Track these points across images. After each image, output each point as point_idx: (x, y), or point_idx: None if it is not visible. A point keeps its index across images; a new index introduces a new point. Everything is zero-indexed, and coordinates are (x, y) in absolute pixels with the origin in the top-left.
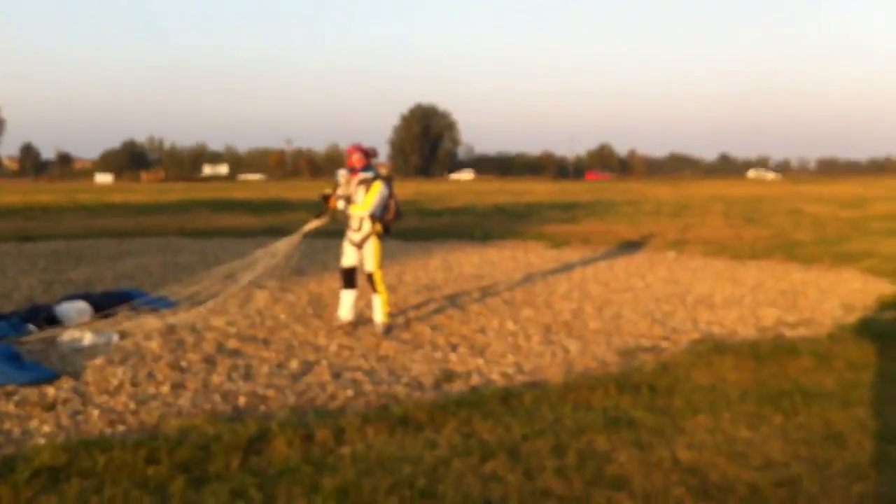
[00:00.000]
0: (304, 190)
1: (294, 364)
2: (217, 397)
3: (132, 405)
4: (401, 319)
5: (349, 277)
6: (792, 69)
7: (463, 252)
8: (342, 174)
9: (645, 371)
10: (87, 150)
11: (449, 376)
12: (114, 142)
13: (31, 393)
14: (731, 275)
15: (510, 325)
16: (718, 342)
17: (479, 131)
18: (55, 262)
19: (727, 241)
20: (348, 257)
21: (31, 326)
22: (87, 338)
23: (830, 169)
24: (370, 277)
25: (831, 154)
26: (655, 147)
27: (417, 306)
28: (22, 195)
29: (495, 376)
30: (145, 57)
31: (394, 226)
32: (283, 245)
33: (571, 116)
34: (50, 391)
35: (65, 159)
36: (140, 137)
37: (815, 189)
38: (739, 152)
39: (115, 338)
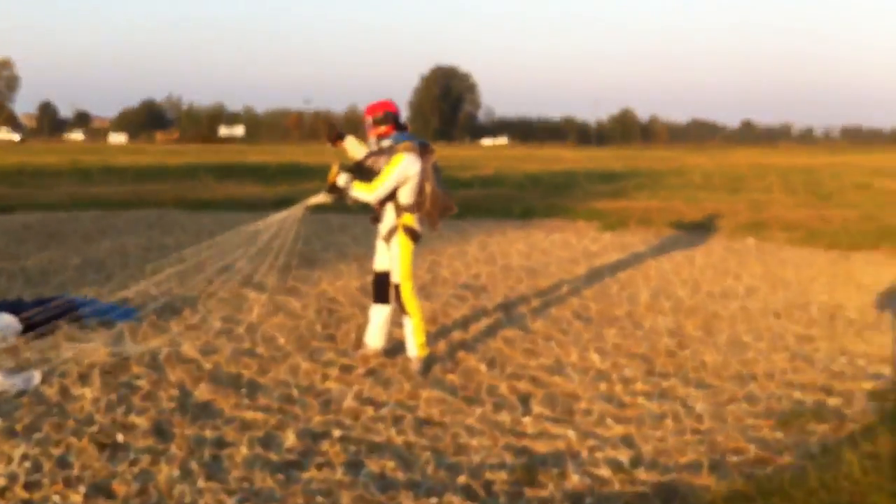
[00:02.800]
0: (321, 154)
1: (290, 439)
2: None
3: None
4: (442, 345)
5: (380, 287)
6: (817, 34)
7: (504, 235)
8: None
9: (849, 471)
10: (106, 108)
11: (531, 468)
12: (133, 100)
13: None
14: (844, 273)
15: (595, 359)
16: None
17: (499, 94)
18: (17, 241)
19: (811, 223)
20: (380, 258)
21: None
22: None
23: (855, 137)
24: (396, 290)
25: (855, 122)
26: (677, 113)
27: (463, 323)
28: (23, 155)
29: (604, 471)
30: (165, 12)
31: (435, 220)
32: (277, 222)
33: (592, 80)
34: None
35: (83, 118)
36: (159, 96)
37: (859, 159)
38: (762, 119)
39: (36, 379)
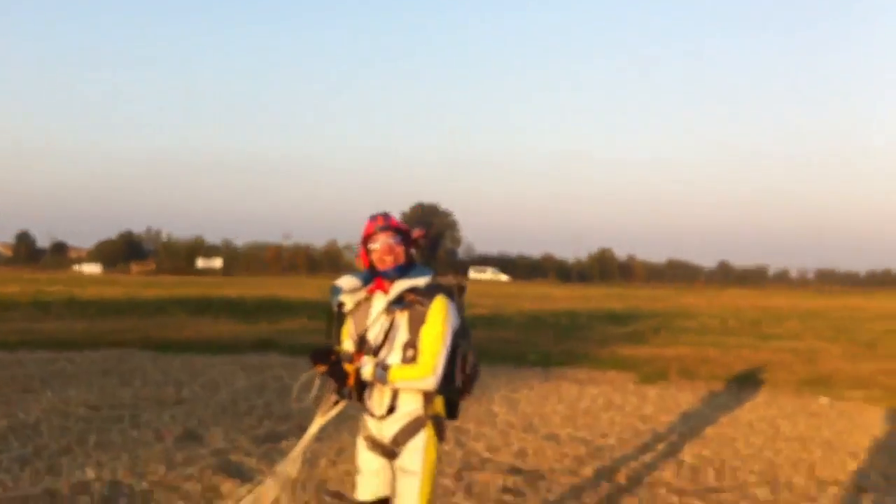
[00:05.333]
0: (301, 287)
1: None
2: None
3: None
4: None
5: None
6: (794, 178)
7: (531, 389)
8: (347, 284)
9: None
10: (84, 239)
11: None
12: (111, 232)
13: None
14: None
15: None
16: None
17: (478, 231)
18: None
19: (881, 379)
20: (369, 479)
21: None
22: None
23: (830, 279)
24: None
25: (830, 265)
26: (653, 253)
27: None
28: None
29: None
30: (144, 147)
31: (466, 396)
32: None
33: (570, 219)
34: None
35: (59, 248)
36: (138, 229)
37: (858, 302)
38: (738, 260)
39: None
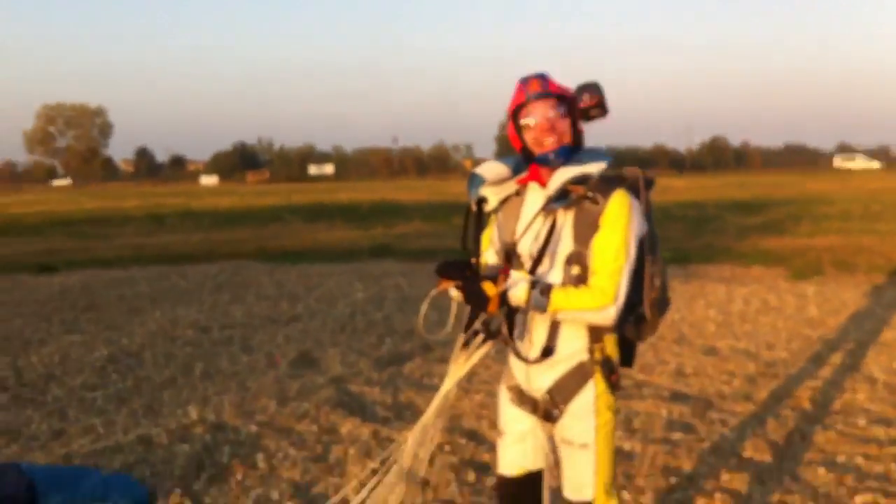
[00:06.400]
0: (412, 190)
1: None
2: None
3: None
4: None
5: None
6: None
7: (672, 290)
8: (491, 172)
9: None
10: (201, 151)
11: None
12: (226, 143)
13: None
14: None
15: None
16: None
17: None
18: (41, 317)
19: None
20: (513, 447)
21: None
22: None
23: None
24: None
25: None
26: (768, 138)
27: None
28: (101, 200)
29: None
30: (256, 57)
31: (652, 329)
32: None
33: (680, 106)
34: None
35: (178, 162)
36: (251, 139)
37: None
38: (858, 140)
39: None
